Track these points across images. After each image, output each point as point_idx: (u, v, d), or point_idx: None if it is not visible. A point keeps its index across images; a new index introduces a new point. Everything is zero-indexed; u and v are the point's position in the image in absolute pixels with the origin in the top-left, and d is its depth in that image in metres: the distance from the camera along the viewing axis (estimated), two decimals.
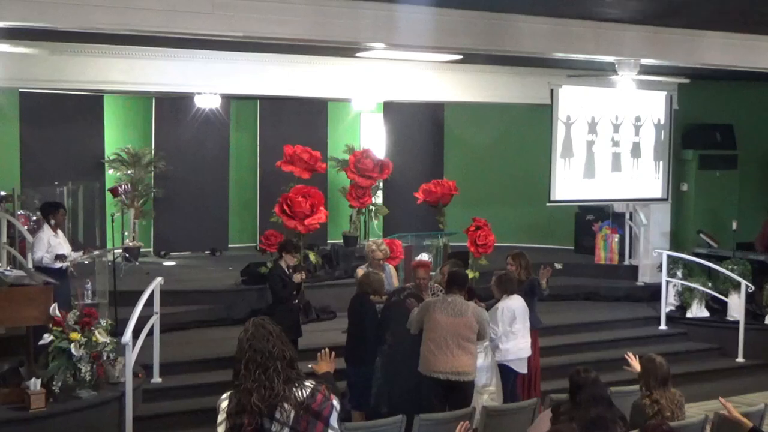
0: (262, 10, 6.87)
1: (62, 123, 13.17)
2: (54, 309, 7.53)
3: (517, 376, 8.04)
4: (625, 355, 6.31)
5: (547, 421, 5.37)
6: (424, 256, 10.71)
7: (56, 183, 11.97)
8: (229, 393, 3.84)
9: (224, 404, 3.82)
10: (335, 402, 3.86)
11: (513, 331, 7.87)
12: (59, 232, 9.19)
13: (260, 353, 3.77)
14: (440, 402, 6.98)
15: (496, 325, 7.78)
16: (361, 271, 8.76)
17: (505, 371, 7.89)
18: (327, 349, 4.63)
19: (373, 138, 15.20)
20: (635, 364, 6.13)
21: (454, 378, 7.03)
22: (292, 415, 3.73)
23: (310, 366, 4.64)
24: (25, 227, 10.27)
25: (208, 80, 11.18)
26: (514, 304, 7.92)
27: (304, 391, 3.78)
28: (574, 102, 11.86)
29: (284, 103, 14.27)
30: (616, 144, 12.18)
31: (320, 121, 15.05)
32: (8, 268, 9.26)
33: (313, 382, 3.86)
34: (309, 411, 3.75)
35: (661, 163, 12.56)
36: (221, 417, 3.81)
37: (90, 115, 13.54)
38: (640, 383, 5.84)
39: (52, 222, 9.09)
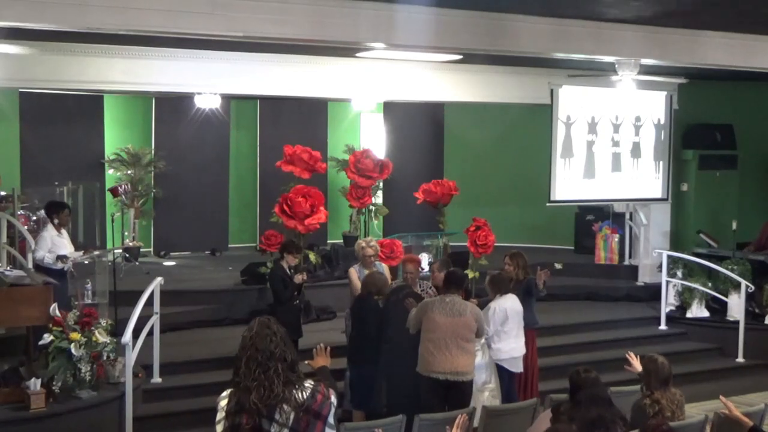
0: (262, 10, 6.87)
1: (62, 123, 13.18)
2: (54, 309, 7.52)
3: (512, 375, 8.04)
4: (626, 355, 6.30)
5: (547, 421, 5.37)
6: (424, 257, 10.72)
7: (56, 183, 11.97)
8: (228, 391, 3.84)
9: (223, 402, 3.82)
10: (333, 399, 3.88)
11: (505, 330, 7.87)
12: (63, 231, 9.20)
13: (261, 352, 3.77)
14: (439, 402, 6.98)
15: (487, 325, 7.79)
16: (353, 272, 8.75)
17: (498, 370, 7.90)
18: (322, 345, 4.62)
19: (373, 138, 15.20)
20: (636, 364, 6.13)
21: (453, 378, 7.04)
22: (292, 416, 3.73)
23: (306, 362, 4.64)
24: (25, 227, 10.27)
25: (208, 80, 11.18)
26: (507, 304, 7.92)
27: (304, 392, 3.78)
28: (574, 102, 11.87)
29: (284, 103, 14.27)
30: (616, 144, 12.19)
31: (320, 121, 15.05)
32: (8, 268, 9.25)
33: (312, 383, 3.85)
34: (309, 412, 3.76)
35: (661, 163, 12.56)
36: (220, 415, 3.81)
37: (90, 115, 13.55)
38: (641, 383, 5.84)
39: (56, 221, 9.10)
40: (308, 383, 3.83)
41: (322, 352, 4.57)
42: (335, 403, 3.89)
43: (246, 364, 3.78)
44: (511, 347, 7.94)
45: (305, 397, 3.77)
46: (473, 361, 7.27)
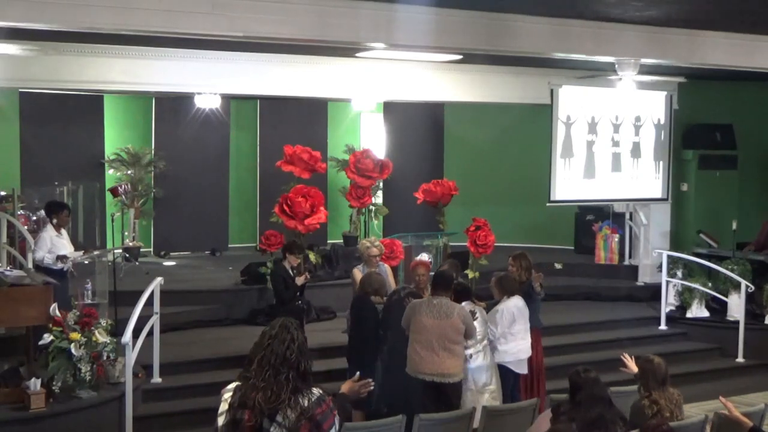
0: (262, 10, 6.87)
1: (62, 123, 13.18)
2: (54, 309, 7.53)
3: (517, 377, 8.03)
4: (621, 357, 6.29)
5: (547, 421, 5.37)
6: (424, 256, 10.71)
7: (56, 183, 11.97)
8: (234, 385, 3.85)
9: (228, 395, 3.83)
10: (337, 420, 3.86)
11: (512, 332, 7.85)
12: (63, 232, 9.20)
13: (275, 355, 3.77)
14: (432, 401, 6.98)
15: (495, 326, 7.78)
16: (357, 272, 8.74)
17: (503, 372, 7.89)
18: (370, 381, 4.35)
19: (373, 138, 15.20)
20: (631, 365, 6.13)
21: (440, 380, 7.05)
22: (294, 420, 3.73)
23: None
24: (25, 227, 10.27)
25: (208, 80, 11.18)
26: (514, 306, 7.91)
27: (310, 398, 3.78)
28: (574, 102, 11.86)
29: (284, 103, 14.27)
30: (616, 144, 12.19)
31: (320, 121, 15.05)
32: (8, 268, 9.25)
33: (321, 391, 3.85)
34: (312, 420, 3.75)
35: (661, 163, 12.56)
36: (223, 407, 3.82)
37: (90, 115, 13.55)
38: (638, 384, 5.84)
39: (55, 222, 9.10)
40: (316, 391, 3.83)
41: (355, 385, 4.27)
42: (338, 427, 3.85)
43: (259, 362, 3.79)
44: (519, 349, 7.92)
45: (311, 402, 3.77)
46: (461, 363, 7.25)
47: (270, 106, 14.73)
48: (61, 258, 8.86)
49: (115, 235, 12.51)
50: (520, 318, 7.90)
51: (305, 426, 3.73)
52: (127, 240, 12.96)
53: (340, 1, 7.14)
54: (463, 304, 7.50)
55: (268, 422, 3.73)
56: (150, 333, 8.38)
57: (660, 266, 11.61)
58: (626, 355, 6.25)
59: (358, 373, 4.40)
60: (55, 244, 8.97)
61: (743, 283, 10.78)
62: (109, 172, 13.63)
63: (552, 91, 11.75)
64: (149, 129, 14.20)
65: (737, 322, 10.79)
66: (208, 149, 14.34)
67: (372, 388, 4.34)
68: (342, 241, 13.33)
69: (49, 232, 9.04)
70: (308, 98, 13.14)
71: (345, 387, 4.27)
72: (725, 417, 5.36)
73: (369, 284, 7.93)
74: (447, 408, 6.78)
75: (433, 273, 8.33)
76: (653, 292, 12.02)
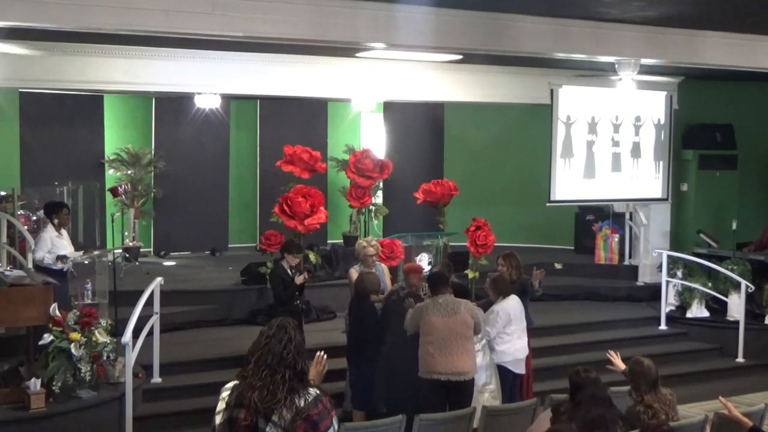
0: (262, 10, 6.87)
1: (62, 123, 13.18)
2: (54, 309, 7.53)
3: (516, 377, 8.03)
4: (608, 354, 6.26)
5: (547, 421, 5.37)
6: (424, 257, 10.71)
7: (56, 183, 11.97)
8: (233, 384, 3.85)
9: (225, 394, 3.84)
10: (335, 421, 3.84)
11: (508, 332, 7.86)
12: (63, 231, 9.20)
13: (272, 355, 3.77)
14: (441, 403, 6.97)
15: (491, 327, 7.78)
16: (354, 272, 8.72)
17: (502, 372, 7.90)
18: (324, 355, 4.28)
19: (373, 138, 15.20)
20: (618, 363, 6.12)
21: (455, 378, 7.03)
22: (290, 420, 3.73)
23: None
24: (25, 227, 10.27)
25: (208, 80, 11.17)
26: (510, 306, 7.92)
27: (306, 398, 3.78)
28: (574, 102, 11.86)
29: (284, 103, 14.27)
30: (616, 144, 12.19)
31: (320, 121, 15.06)
32: (8, 268, 9.25)
33: (318, 391, 3.84)
34: (308, 420, 3.75)
35: (661, 163, 12.56)
36: (220, 406, 3.83)
37: (90, 115, 13.55)
38: (629, 388, 5.80)
39: (56, 221, 9.10)
40: (313, 391, 3.82)
41: (319, 363, 4.23)
42: (336, 427, 3.84)
43: (256, 362, 3.79)
44: (516, 349, 7.93)
45: (307, 402, 3.76)
46: (474, 360, 7.26)
47: (270, 106, 14.73)
48: (61, 258, 8.86)
49: (115, 235, 12.52)
50: (516, 318, 7.91)
51: (301, 426, 3.72)
52: (127, 240, 12.96)
53: (340, 1, 7.15)
54: None
55: (264, 422, 3.72)
56: (150, 333, 8.38)
57: (660, 266, 11.62)
58: (612, 353, 6.23)
59: (317, 353, 4.29)
60: (56, 244, 8.97)
61: (743, 283, 10.78)
62: (109, 172, 13.63)
63: (552, 91, 11.75)
64: (149, 129, 14.20)
65: (737, 322, 10.79)
66: (208, 149, 14.34)
67: (325, 358, 4.27)
68: (342, 241, 13.33)
69: (49, 232, 9.04)
70: (308, 98, 13.13)
71: (312, 375, 4.15)
72: (725, 417, 5.35)
73: (363, 287, 7.92)
74: (458, 407, 6.75)
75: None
76: (653, 292, 12.02)
